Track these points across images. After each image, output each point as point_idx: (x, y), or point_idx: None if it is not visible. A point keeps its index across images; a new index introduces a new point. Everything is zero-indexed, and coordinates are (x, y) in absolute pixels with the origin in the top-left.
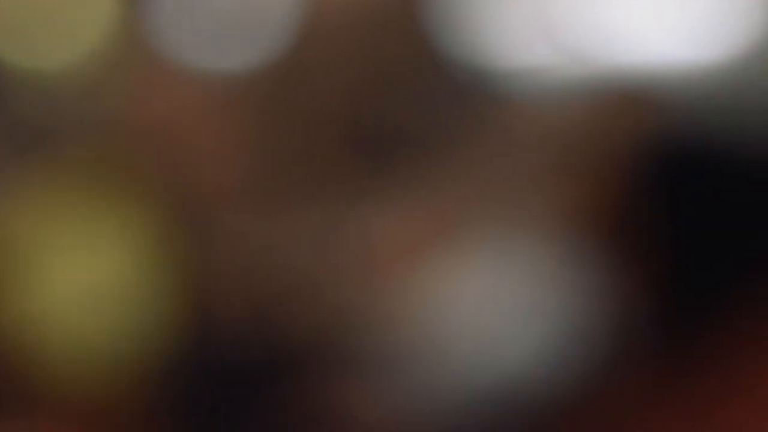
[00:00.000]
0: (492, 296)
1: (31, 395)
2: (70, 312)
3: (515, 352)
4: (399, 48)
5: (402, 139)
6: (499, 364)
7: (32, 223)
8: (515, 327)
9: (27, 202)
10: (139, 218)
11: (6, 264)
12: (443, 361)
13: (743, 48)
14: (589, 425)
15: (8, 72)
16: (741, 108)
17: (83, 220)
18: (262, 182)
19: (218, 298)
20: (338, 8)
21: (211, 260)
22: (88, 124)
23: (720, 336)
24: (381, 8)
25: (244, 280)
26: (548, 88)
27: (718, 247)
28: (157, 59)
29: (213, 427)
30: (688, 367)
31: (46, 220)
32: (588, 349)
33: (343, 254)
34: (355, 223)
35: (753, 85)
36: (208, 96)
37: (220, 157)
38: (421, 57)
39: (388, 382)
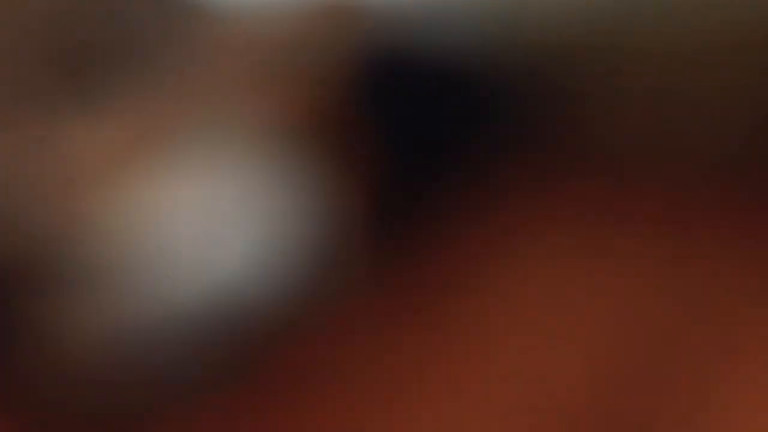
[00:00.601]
0: (202, 206)
1: None
2: None
3: (228, 261)
4: None
5: (104, 54)
6: (211, 274)
7: None
8: (227, 236)
9: None
10: None
11: None
12: (153, 273)
13: None
14: (307, 324)
15: None
16: (449, 18)
17: None
18: None
19: None
20: None
21: None
22: None
23: (430, 233)
24: None
25: None
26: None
27: (426, 149)
28: None
29: None
30: (402, 260)
31: None
32: (304, 254)
33: (47, 172)
34: (57, 140)
35: None
36: None
37: None
38: None
39: (97, 298)
